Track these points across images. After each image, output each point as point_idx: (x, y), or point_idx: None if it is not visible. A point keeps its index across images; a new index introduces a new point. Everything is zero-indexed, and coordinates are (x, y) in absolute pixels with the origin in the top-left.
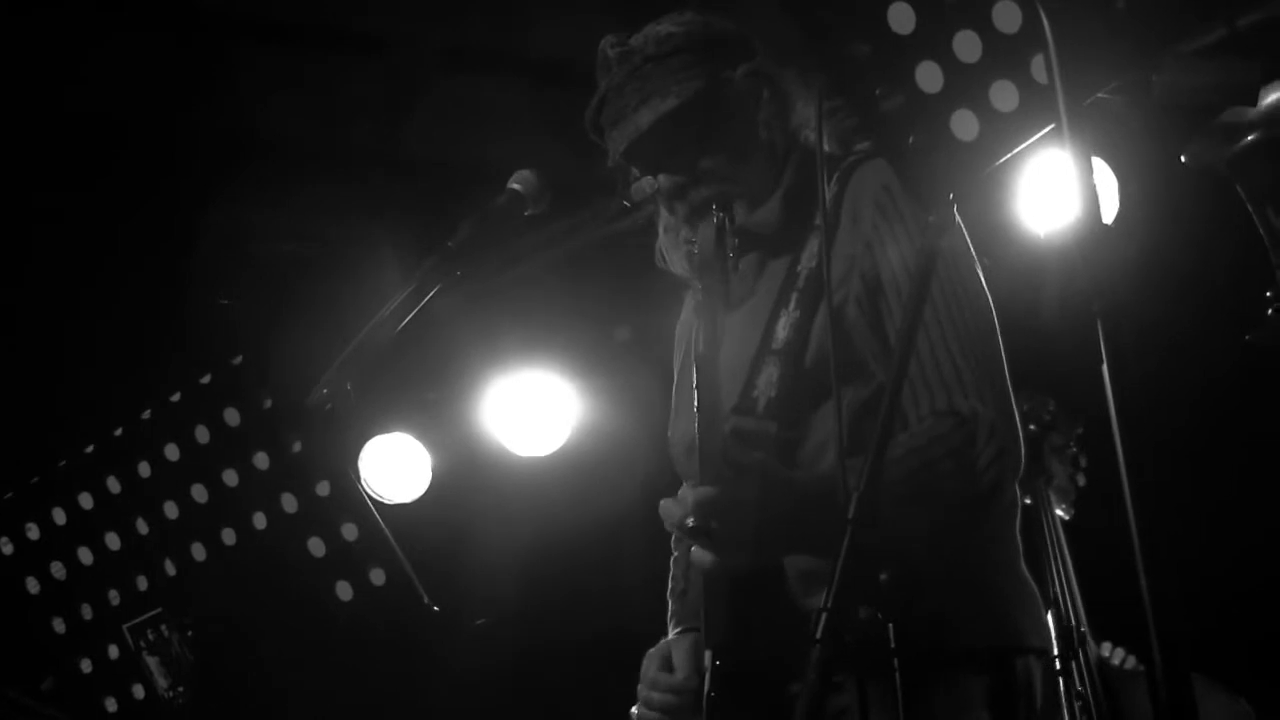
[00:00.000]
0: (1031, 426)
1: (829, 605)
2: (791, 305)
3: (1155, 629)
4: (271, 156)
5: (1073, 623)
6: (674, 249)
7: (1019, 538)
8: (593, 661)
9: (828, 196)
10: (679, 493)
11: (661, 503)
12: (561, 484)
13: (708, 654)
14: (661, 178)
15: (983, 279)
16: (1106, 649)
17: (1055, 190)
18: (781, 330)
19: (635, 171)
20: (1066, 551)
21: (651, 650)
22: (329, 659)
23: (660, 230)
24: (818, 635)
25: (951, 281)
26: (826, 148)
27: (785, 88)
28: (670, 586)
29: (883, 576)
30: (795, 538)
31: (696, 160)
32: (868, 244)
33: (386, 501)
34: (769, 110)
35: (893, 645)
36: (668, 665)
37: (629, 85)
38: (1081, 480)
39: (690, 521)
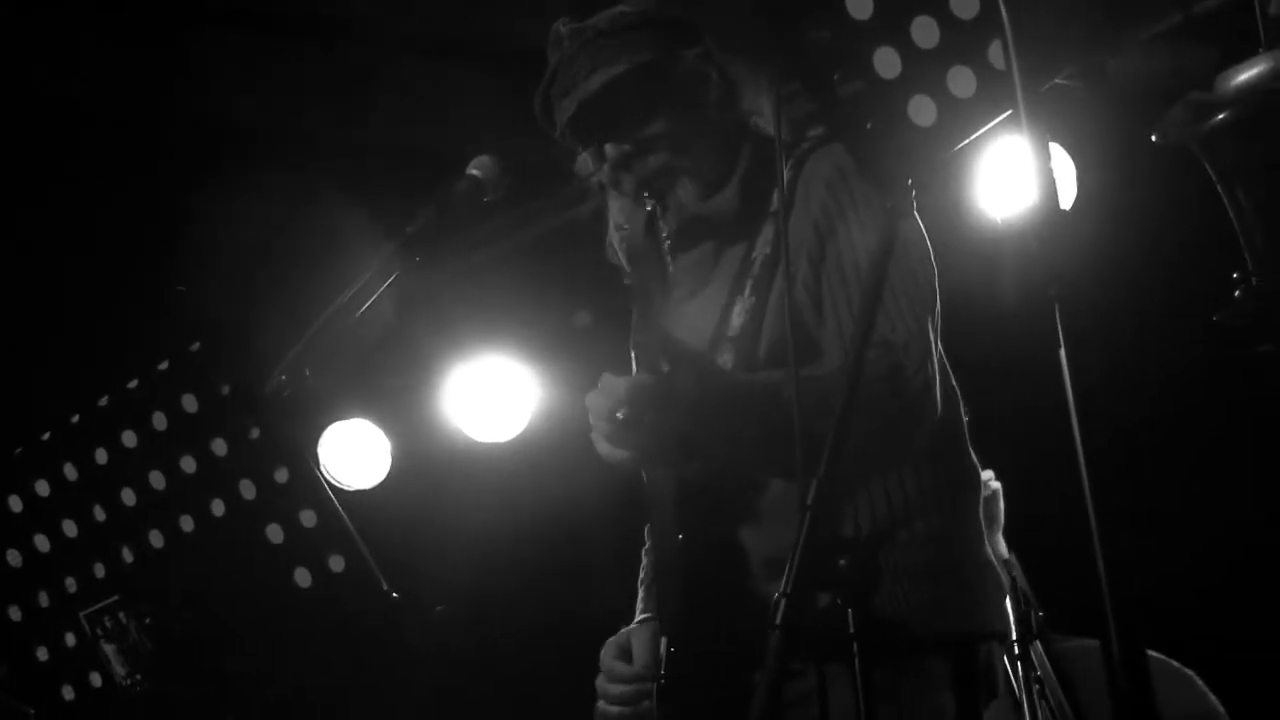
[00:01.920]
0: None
1: (787, 590)
2: (747, 292)
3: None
4: (231, 142)
5: (1025, 605)
6: (620, 242)
7: (982, 519)
8: (555, 649)
9: (776, 190)
10: (601, 382)
11: (587, 396)
12: (522, 470)
13: (663, 640)
14: (608, 147)
15: (935, 268)
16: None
17: (1013, 176)
18: (736, 318)
19: (579, 148)
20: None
21: (610, 640)
22: (288, 646)
23: (610, 223)
24: (776, 621)
25: (901, 271)
26: (769, 128)
27: (735, 74)
28: (640, 576)
29: (842, 562)
30: (733, 435)
31: (643, 127)
32: (814, 225)
33: (346, 488)
34: (719, 93)
35: (852, 631)
36: (625, 655)
37: (580, 56)
38: None
39: (620, 413)
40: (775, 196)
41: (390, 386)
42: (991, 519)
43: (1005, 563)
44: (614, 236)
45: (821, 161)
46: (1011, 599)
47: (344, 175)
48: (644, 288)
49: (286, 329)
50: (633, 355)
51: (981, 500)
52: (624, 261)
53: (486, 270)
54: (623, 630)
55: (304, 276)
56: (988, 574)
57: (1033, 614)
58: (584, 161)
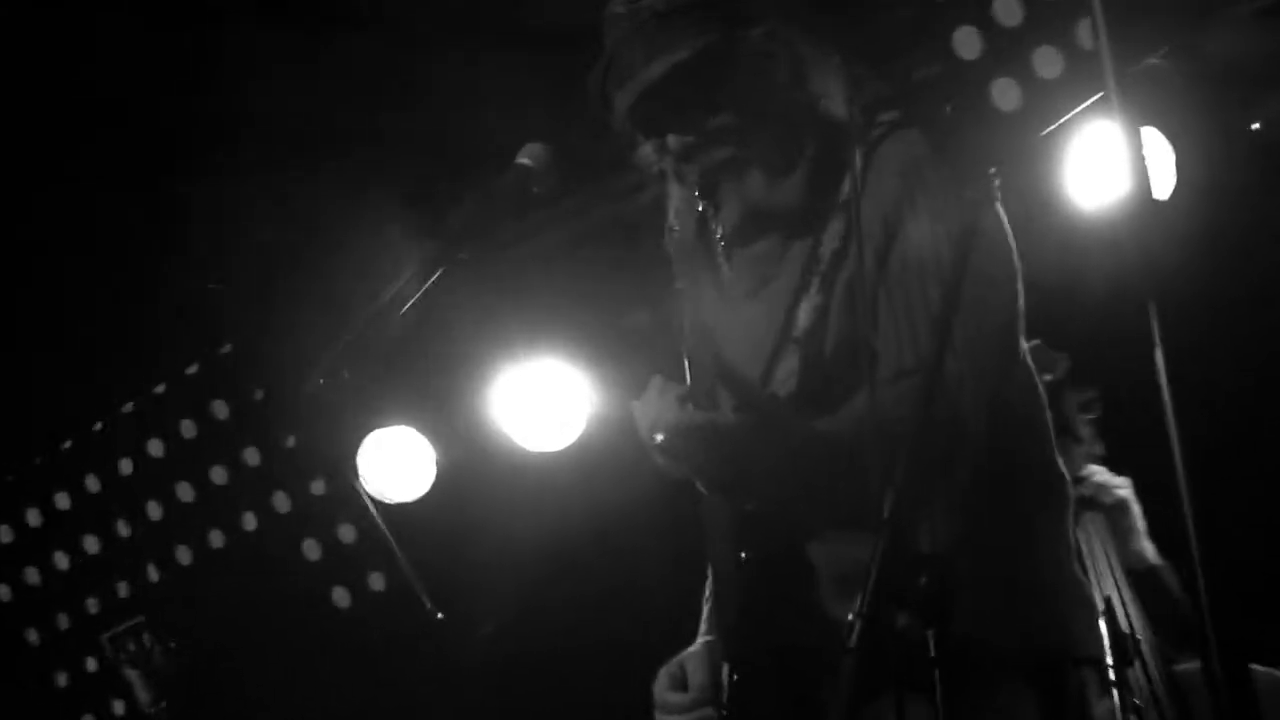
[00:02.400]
0: (1047, 376)
1: (863, 611)
2: (813, 290)
3: (1213, 627)
4: (261, 136)
5: (1128, 628)
6: (670, 243)
7: (1073, 534)
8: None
9: (851, 175)
10: (651, 385)
11: (634, 403)
12: (574, 481)
13: (724, 666)
14: (671, 138)
15: (1019, 268)
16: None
17: (1104, 163)
18: (803, 317)
19: (641, 139)
20: (1109, 545)
21: (662, 670)
22: (324, 671)
23: (670, 215)
24: (851, 644)
25: (977, 277)
26: (837, 110)
27: (802, 53)
28: (705, 594)
29: (922, 580)
30: (789, 480)
31: (708, 118)
32: (883, 217)
33: (387, 500)
34: (785, 74)
35: (933, 655)
36: (679, 684)
37: (637, 40)
38: (1100, 448)
39: (660, 438)
40: (846, 185)
41: (434, 391)
42: (1125, 529)
43: (1151, 570)
44: (674, 224)
45: (895, 147)
46: (1105, 618)
47: (383, 168)
48: (695, 291)
49: (324, 330)
50: (685, 362)
51: (1071, 507)
52: (674, 260)
53: (536, 267)
54: (675, 658)
55: (342, 275)
56: (1072, 591)
57: (1131, 637)
58: (646, 152)
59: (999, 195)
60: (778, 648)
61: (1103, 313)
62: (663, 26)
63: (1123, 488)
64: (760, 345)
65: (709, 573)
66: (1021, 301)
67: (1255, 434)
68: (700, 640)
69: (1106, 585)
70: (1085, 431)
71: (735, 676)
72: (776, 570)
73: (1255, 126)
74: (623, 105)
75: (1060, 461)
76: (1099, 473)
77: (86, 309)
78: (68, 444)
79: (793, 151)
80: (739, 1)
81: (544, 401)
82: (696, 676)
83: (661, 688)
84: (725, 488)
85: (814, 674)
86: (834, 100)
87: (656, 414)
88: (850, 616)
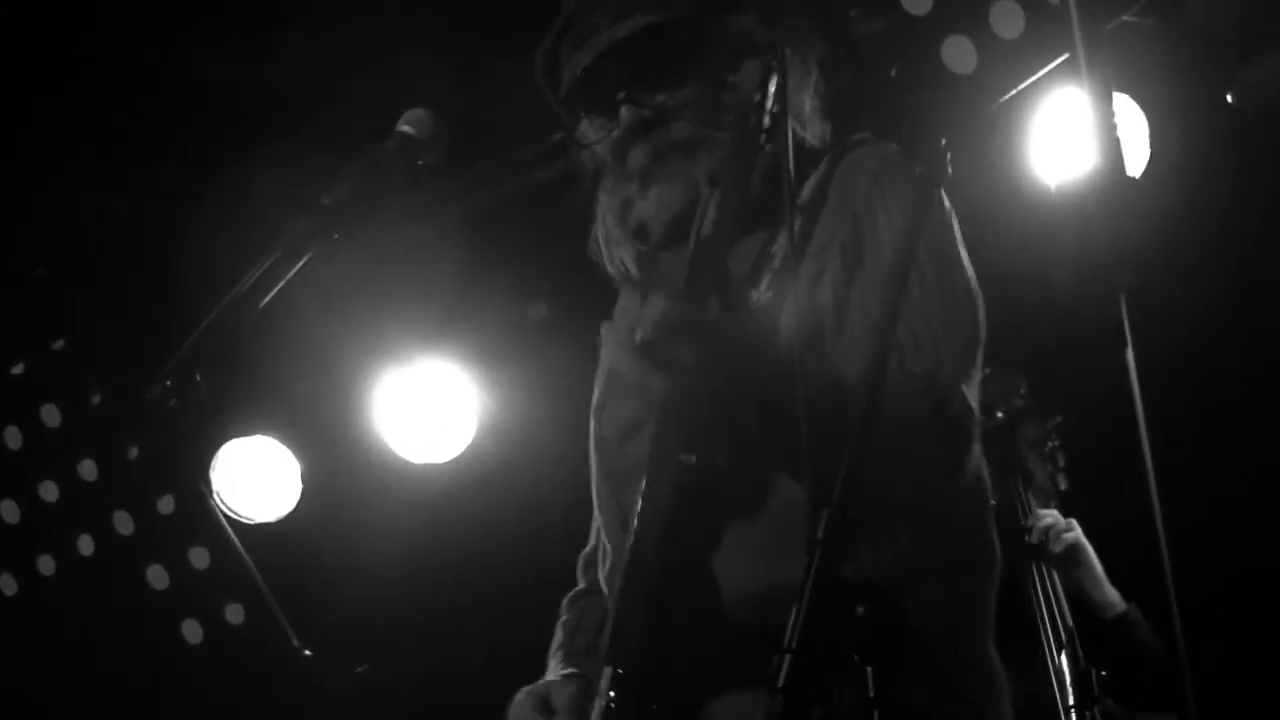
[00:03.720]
0: (999, 414)
1: (792, 645)
2: (763, 286)
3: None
4: (100, 90)
5: (1089, 666)
6: (619, 242)
7: (990, 609)
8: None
9: (816, 176)
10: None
11: (603, 324)
12: (463, 497)
13: (606, 673)
14: (625, 110)
15: (965, 256)
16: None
17: (1070, 134)
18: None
19: (586, 112)
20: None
21: (522, 692)
22: (173, 717)
23: (600, 212)
24: (780, 683)
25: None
26: (808, 132)
27: (781, 63)
28: (563, 626)
29: (860, 610)
30: (748, 378)
31: (672, 90)
32: (855, 215)
33: (245, 520)
34: (759, 75)
35: (871, 695)
36: (544, 707)
37: (603, 4)
38: (1063, 482)
39: (638, 335)
40: (806, 189)
41: (301, 396)
42: (1084, 578)
43: (1119, 617)
44: (606, 225)
45: (864, 154)
46: (1068, 656)
47: (242, 134)
48: (627, 297)
49: (171, 324)
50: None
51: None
52: (639, 274)
53: (422, 252)
54: (539, 682)
55: (193, 260)
56: (985, 667)
57: (1093, 674)
58: (585, 129)
59: (950, 170)
60: (673, 668)
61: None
62: None
63: (1072, 530)
64: None
65: (567, 603)
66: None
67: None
68: (563, 671)
69: (1068, 619)
70: (1040, 469)
71: (613, 697)
72: (688, 585)
73: (1228, 99)
74: (579, 64)
75: (994, 527)
76: (1045, 517)
77: None
78: None
79: (754, 146)
80: None
81: (429, 408)
82: (564, 707)
83: (527, 709)
84: (709, 398)
85: (713, 702)
86: (803, 117)
87: (635, 318)
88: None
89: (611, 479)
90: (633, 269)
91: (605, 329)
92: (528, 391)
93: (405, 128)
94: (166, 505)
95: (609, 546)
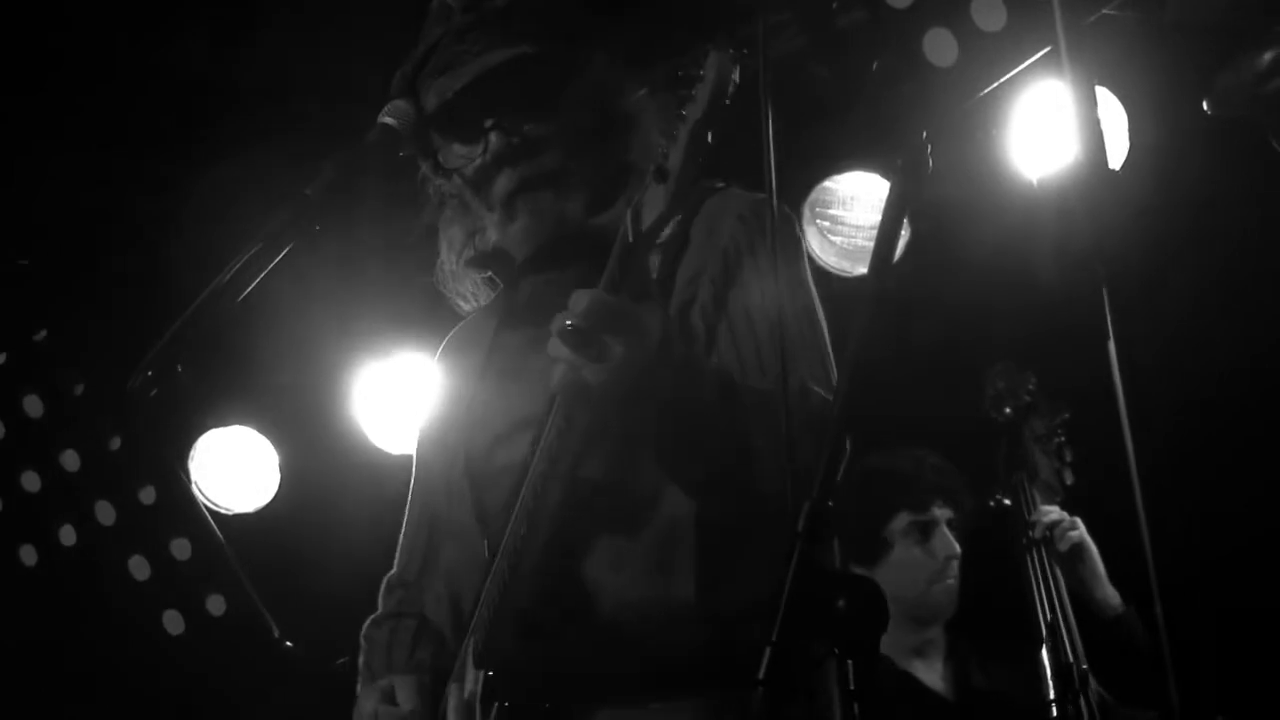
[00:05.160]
0: (1008, 409)
1: (775, 638)
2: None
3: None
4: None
5: (1071, 658)
6: (458, 276)
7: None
8: None
9: (672, 222)
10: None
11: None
12: None
13: (475, 676)
14: (493, 137)
15: (810, 278)
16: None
17: (1051, 127)
18: None
19: (443, 142)
20: (1057, 569)
21: (371, 686)
22: (153, 709)
23: (444, 245)
24: (762, 675)
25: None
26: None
27: (636, 98)
28: (369, 646)
29: (840, 603)
30: (676, 402)
31: (542, 120)
32: (723, 252)
33: (225, 511)
34: (622, 112)
35: (852, 687)
36: (390, 699)
37: (473, 32)
38: (1069, 477)
39: (569, 323)
40: (667, 229)
41: (280, 386)
42: (1085, 575)
43: (1117, 619)
44: (451, 259)
45: (728, 199)
46: (1048, 649)
47: (225, 121)
48: (476, 326)
49: (153, 315)
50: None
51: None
52: (465, 293)
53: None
54: (378, 682)
55: (174, 250)
56: None
57: (1075, 667)
58: (447, 157)
59: (931, 163)
60: (548, 666)
61: (1052, 302)
62: (505, 24)
63: (1076, 528)
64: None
65: (386, 590)
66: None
67: (1215, 428)
68: (396, 676)
69: (1048, 614)
70: (1046, 464)
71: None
72: (570, 585)
73: (1204, 106)
74: (447, 89)
75: None
76: (1051, 513)
77: None
78: None
79: (616, 183)
80: (586, 22)
81: (407, 398)
82: (409, 700)
83: (371, 702)
84: (628, 390)
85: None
86: (663, 149)
87: (568, 303)
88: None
89: (477, 480)
90: (480, 297)
91: (448, 356)
92: None
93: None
94: (148, 496)
95: (453, 548)
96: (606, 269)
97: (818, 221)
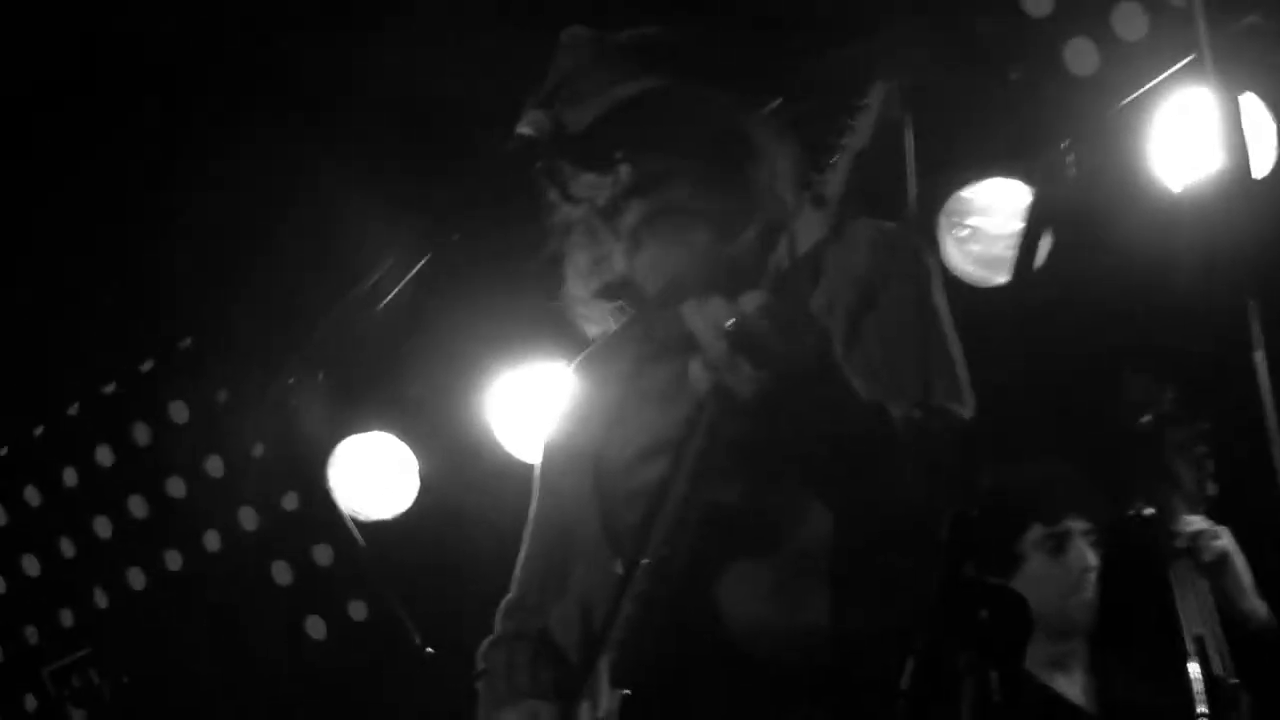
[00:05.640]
0: (1147, 419)
1: (920, 646)
2: None
3: None
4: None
5: (1222, 671)
6: (585, 302)
7: None
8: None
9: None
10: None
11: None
12: None
13: (613, 695)
14: (624, 169)
15: (944, 305)
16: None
17: (1195, 136)
18: None
19: (581, 169)
20: (1202, 580)
21: (501, 714)
22: (298, 714)
23: (568, 272)
24: (905, 685)
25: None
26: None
27: (760, 136)
28: (491, 670)
29: (983, 614)
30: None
31: (675, 152)
32: (856, 281)
33: (366, 518)
34: (745, 148)
35: (996, 698)
36: None
37: (601, 65)
38: (1212, 488)
39: (732, 322)
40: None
41: (419, 394)
42: (1231, 588)
43: (1262, 629)
44: (579, 287)
45: (859, 229)
46: (1200, 665)
47: (360, 132)
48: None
49: (295, 324)
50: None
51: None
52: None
53: (524, 266)
54: (524, 704)
55: (315, 259)
56: None
57: (1225, 682)
58: (576, 185)
59: (1072, 171)
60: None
61: (1194, 312)
62: (634, 59)
63: (1221, 538)
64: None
65: (492, 648)
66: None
67: None
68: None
69: (1196, 627)
70: (1188, 474)
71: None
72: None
73: None
74: (580, 121)
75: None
76: (1195, 523)
77: (24, 301)
78: (3, 450)
79: (744, 215)
80: (709, 62)
81: (544, 406)
82: None
83: None
84: (782, 405)
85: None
86: (783, 183)
87: (730, 307)
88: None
89: (609, 500)
90: (609, 322)
91: (582, 375)
92: None
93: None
94: (291, 502)
95: (583, 569)
96: (761, 291)
97: (954, 231)
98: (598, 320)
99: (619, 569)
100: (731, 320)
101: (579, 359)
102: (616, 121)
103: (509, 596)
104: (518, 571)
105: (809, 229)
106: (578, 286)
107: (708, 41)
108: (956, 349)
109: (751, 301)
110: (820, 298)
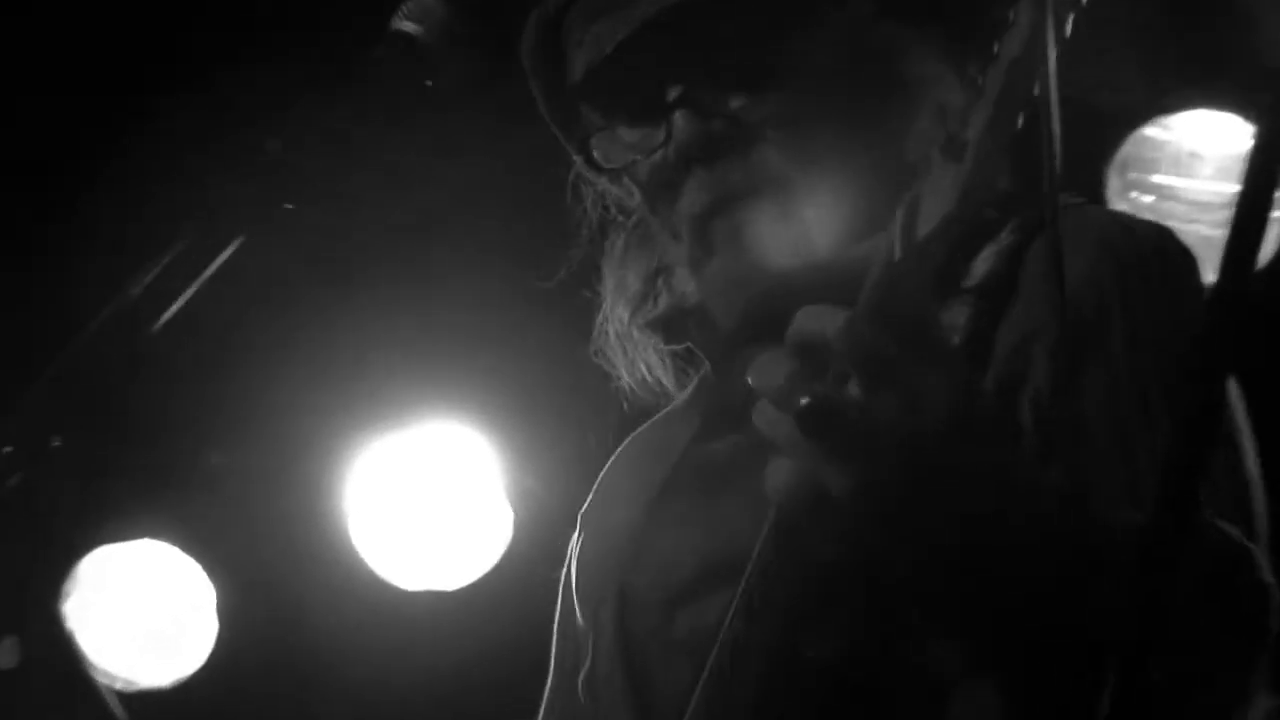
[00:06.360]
0: None
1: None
2: None
3: None
4: None
5: None
6: (637, 342)
7: None
8: None
9: (995, 249)
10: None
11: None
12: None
13: None
14: (679, 116)
15: None
16: None
17: None
18: None
19: (611, 104)
20: None
21: None
22: None
23: (606, 295)
24: None
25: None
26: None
27: (920, 63)
28: None
29: None
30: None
31: (756, 93)
32: (1076, 305)
33: (131, 686)
34: (881, 64)
35: None
36: None
37: None
38: None
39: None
40: (980, 262)
41: (219, 467)
42: None
43: None
44: (618, 319)
45: (1085, 220)
46: None
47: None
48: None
49: (23, 350)
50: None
51: None
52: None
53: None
54: None
55: (56, 256)
56: None
57: None
58: (606, 144)
59: None
60: None
61: None
62: None
63: None
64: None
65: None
66: None
67: None
68: None
69: None
70: None
71: None
72: None
73: None
74: (609, 39)
75: None
76: None
77: None
78: None
79: (886, 195)
80: None
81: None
82: None
83: None
84: (895, 507)
85: None
86: (946, 85)
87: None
88: None
89: (639, 658)
90: (666, 376)
91: (617, 470)
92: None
93: (405, 24)
94: (7, 656)
95: None
96: (860, 303)
97: (1130, 193)
98: (646, 369)
99: None
100: (805, 397)
101: (626, 440)
102: (668, 37)
103: None
104: None
105: (936, 196)
106: (621, 315)
107: None
108: (1244, 433)
109: (838, 334)
110: (1013, 329)
